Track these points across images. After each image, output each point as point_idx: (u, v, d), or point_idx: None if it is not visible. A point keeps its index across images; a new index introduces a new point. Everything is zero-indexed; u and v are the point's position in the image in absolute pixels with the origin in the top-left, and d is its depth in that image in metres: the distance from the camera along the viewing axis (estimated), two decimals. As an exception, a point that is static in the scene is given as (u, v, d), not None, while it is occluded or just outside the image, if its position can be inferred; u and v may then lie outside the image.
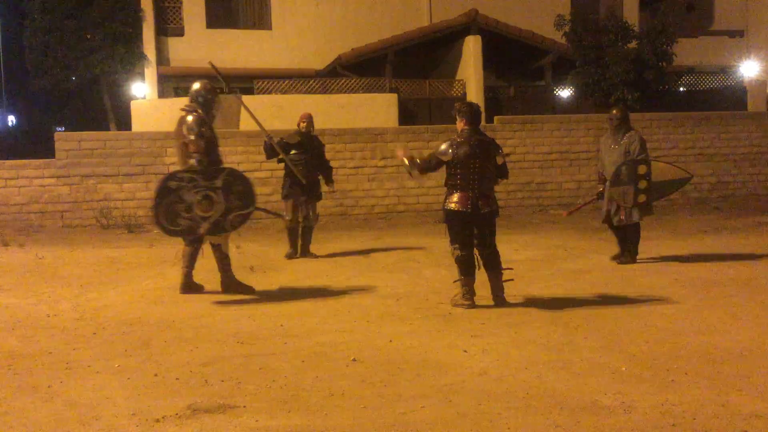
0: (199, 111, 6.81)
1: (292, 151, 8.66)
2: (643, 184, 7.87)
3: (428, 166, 6.21)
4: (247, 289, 6.86)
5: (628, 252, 8.09)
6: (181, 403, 3.98)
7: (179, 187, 6.44)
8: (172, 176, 6.63)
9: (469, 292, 6.07)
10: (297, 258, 8.79)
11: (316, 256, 8.84)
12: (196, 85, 7.04)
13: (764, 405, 3.82)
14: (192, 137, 6.61)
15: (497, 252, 6.18)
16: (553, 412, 3.77)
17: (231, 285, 6.87)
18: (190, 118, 6.74)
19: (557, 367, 4.51)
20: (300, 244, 8.89)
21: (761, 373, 4.33)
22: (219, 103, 7.05)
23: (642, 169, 7.88)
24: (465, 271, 6.06)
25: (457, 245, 6.05)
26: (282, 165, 8.86)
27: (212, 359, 4.78)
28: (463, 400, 3.97)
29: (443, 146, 6.08)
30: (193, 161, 6.57)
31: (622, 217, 7.97)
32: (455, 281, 6.20)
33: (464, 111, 6.12)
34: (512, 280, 6.23)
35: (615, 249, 8.29)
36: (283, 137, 8.80)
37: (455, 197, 6.04)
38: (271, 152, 8.67)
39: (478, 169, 6.00)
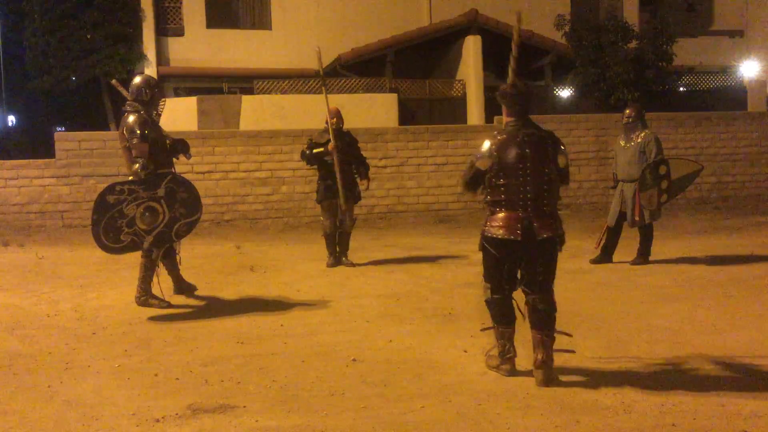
0: (142, 110, 6.23)
1: (314, 149, 8.03)
2: (664, 184, 7.89)
3: (470, 177, 4.43)
4: (159, 304, 6.24)
5: (640, 253, 8.06)
6: (181, 403, 3.98)
7: (119, 201, 5.88)
8: (110, 190, 5.98)
9: (507, 349, 4.40)
10: (337, 266, 8.15)
11: (354, 264, 8.20)
12: (136, 80, 6.41)
13: (764, 405, 3.82)
14: (135, 141, 6.04)
15: (552, 302, 4.38)
16: (553, 412, 3.77)
17: (142, 297, 6.26)
18: (131, 118, 6.14)
19: (557, 367, 4.50)
20: (337, 251, 8.31)
21: (761, 373, 4.33)
22: (163, 99, 6.45)
23: (662, 169, 7.87)
24: (499, 319, 4.44)
25: (489, 285, 4.44)
26: (312, 167, 8.41)
27: (212, 359, 4.78)
28: (463, 400, 3.97)
29: (483, 147, 4.36)
30: (137, 166, 6.02)
31: (637, 218, 7.94)
32: (484, 329, 4.69)
33: (506, 96, 4.41)
34: (573, 352, 4.50)
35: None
36: (312, 137, 8.22)
37: (498, 219, 4.30)
38: (314, 160, 8.06)
39: (530, 176, 4.25)
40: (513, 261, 4.36)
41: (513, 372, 4.37)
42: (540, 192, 4.28)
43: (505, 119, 4.47)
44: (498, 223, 4.30)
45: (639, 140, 7.95)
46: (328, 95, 8.40)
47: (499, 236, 4.28)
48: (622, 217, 8.08)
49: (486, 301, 4.50)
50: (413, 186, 13.28)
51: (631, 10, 20.48)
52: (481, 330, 4.79)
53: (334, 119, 8.00)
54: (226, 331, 5.50)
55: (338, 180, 7.89)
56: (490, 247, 4.35)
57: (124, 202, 5.91)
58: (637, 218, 7.92)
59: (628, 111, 8.21)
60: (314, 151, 7.99)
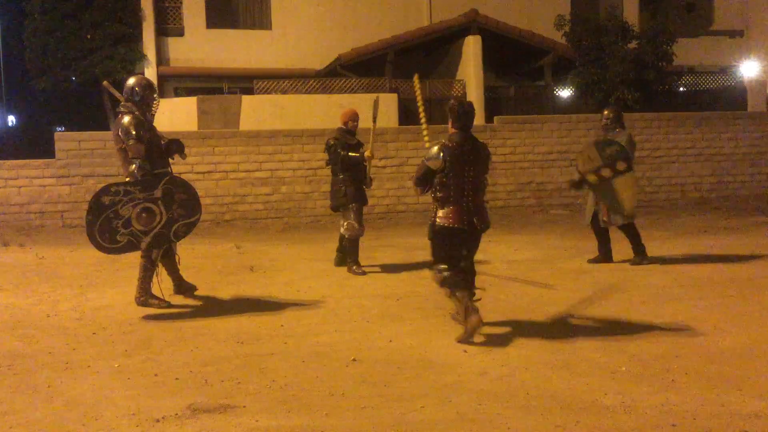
0: (136, 111, 6.19)
1: (351, 153, 7.79)
2: (606, 172, 7.49)
3: (422, 178, 5.35)
4: (159, 304, 6.23)
5: (635, 252, 7.99)
6: (181, 403, 3.98)
7: (114, 202, 5.86)
8: (105, 191, 5.94)
9: (471, 309, 5.13)
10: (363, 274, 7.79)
11: (362, 266, 7.93)
12: (130, 81, 6.34)
13: (764, 405, 3.83)
14: (131, 142, 6.02)
15: (474, 269, 5.51)
16: (553, 412, 3.77)
17: (142, 298, 6.24)
18: (126, 119, 6.10)
19: (557, 367, 4.51)
20: (338, 256, 8.19)
21: (761, 373, 4.33)
22: (157, 99, 6.26)
23: (621, 166, 7.55)
24: (457, 285, 5.21)
25: (443, 266, 5.26)
26: (328, 169, 8.12)
27: (212, 359, 4.78)
28: (463, 400, 3.97)
29: (431, 152, 5.26)
30: (133, 167, 6.01)
31: (605, 218, 7.91)
32: (455, 317, 5.41)
33: (455, 111, 5.31)
34: (479, 299, 5.30)
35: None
36: (338, 137, 7.86)
37: (449, 212, 5.23)
38: (348, 162, 7.75)
39: (472, 178, 5.25)
40: (459, 244, 5.31)
41: (481, 321, 5.08)
42: (477, 189, 5.30)
43: (451, 129, 5.31)
44: (449, 215, 5.24)
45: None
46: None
47: (450, 225, 5.24)
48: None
49: (442, 280, 5.25)
50: (413, 186, 13.26)
51: (631, 10, 20.49)
52: (453, 318, 5.50)
53: (374, 128, 7.72)
54: (226, 331, 5.50)
55: (367, 174, 7.87)
56: (442, 234, 5.28)
57: (119, 203, 5.89)
58: (605, 218, 7.89)
59: (606, 112, 8.16)
60: (351, 154, 7.77)
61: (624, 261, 8.09)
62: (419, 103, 6.66)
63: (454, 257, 5.28)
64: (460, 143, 5.25)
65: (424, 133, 6.24)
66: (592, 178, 7.57)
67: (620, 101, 15.83)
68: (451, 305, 5.51)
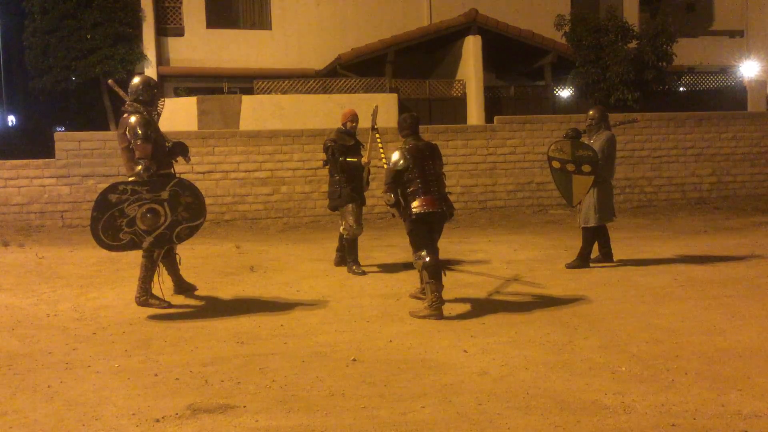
0: (143, 110, 6.21)
1: (348, 158, 7.78)
2: (570, 167, 7.67)
3: (392, 181, 5.95)
4: (159, 304, 6.24)
5: (580, 255, 7.92)
6: (181, 403, 3.99)
7: (121, 200, 5.87)
8: (112, 188, 5.95)
9: (439, 299, 5.78)
10: (364, 274, 7.79)
11: (360, 266, 7.94)
12: (135, 80, 6.38)
13: (764, 405, 3.83)
14: (138, 142, 6.03)
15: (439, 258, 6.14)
16: (553, 412, 3.77)
17: (142, 298, 6.25)
18: (133, 119, 6.12)
19: (557, 367, 4.51)
20: (338, 256, 8.23)
21: (761, 373, 4.33)
22: (162, 99, 6.37)
23: (586, 168, 7.61)
24: (436, 275, 5.82)
25: (424, 252, 5.86)
26: (326, 168, 8.13)
27: (212, 359, 4.79)
28: (463, 400, 3.98)
29: (395, 157, 5.96)
30: (140, 167, 6.02)
31: (579, 220, 7.95)
32: (421, 289, 6.17)
33: (406, 122, 6.18)
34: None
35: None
36: (336, 140, 7.83)
37: (422, 201, 5.88)
38: (344, 166, 7.77)
39: (432, 171, 5.98)
40: (433, 229, 6.05)
41: (442, 317, 5.74)
42: (438, 180, 6.04)
43: (402, 136, 6.15)
44: (424, 203, 5.90)
45: (593, 139, 7.89)
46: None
47: (428, 210, 5.90)
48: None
49: (425, 266, 5.86)
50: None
51: (631, 10, 20.49)
52: (412, 296, 6.48)
53: (377, 135, 7.68)
54: (226, 331, 5.50)
55: (365, 177, 7.92)
56: (421, 221, 5.93)
57: (125, 201, 5.91)
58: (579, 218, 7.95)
59: (591, 113, 8.09)
60: (348, 159, 7.77)
61: (623, 261, 8.10)
62: (377, 136, 7.66)
63: (432, 242, 5.99)
64: (415, 144, 6.06)
65: (382, 155, 7.27)
66: (556, 164, 7.86)
67: (620, 101, 15.84)
68: (417, 284, 6.47)
